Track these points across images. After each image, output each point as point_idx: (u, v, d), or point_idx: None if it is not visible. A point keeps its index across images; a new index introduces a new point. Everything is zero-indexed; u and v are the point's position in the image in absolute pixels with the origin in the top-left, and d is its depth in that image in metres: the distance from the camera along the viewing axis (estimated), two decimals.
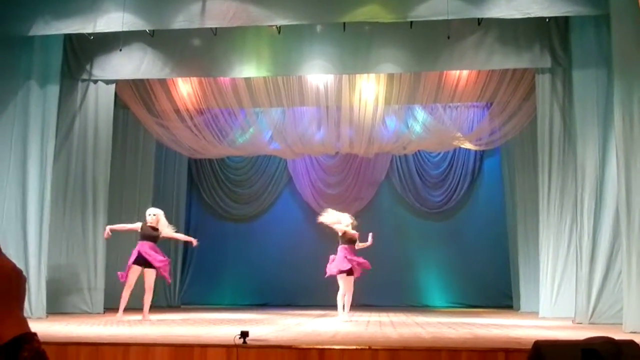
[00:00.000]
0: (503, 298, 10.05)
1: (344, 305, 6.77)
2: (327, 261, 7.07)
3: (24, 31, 7.24)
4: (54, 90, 7.52)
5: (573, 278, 7.15)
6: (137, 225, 7.03)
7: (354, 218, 7.11)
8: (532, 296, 8.42)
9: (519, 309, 9.03)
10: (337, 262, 6.77)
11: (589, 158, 6.95)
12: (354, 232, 6.96)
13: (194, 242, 7.26)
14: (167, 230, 7.06)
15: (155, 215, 7.01)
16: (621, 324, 5.78)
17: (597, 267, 6.73)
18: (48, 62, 7.56)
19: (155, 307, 9.41)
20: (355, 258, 6.81)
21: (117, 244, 9.02)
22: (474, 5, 6.81)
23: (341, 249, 6.84)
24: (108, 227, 7.07)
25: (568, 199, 7.55)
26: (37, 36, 7.39)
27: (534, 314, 7.90)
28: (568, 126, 7.61)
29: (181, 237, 7.68)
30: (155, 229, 6.97)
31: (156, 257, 6.80)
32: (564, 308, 7.34)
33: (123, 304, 6.80)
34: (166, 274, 6.95)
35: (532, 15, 6.86)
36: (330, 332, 5.27)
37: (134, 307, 8.66)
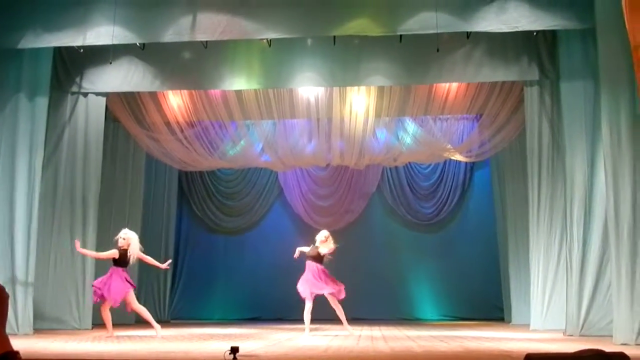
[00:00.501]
0: (494, 310, 10.04)
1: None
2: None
3: (14, 43, 7.22)
4: (43, 102, 7.48)
5: (563, 290, 7.16)
6: (113, 253, 6.57)
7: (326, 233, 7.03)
8: (523, 308, 8.43)
9: (510, 321, 9.03)
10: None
11: (577, 169, 7.02)
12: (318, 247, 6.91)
13: (164, 266, 7.00)
14: (138, 253, 6.57)
15: (125, 239, 6.56)
16: (611, 336, 5.79)
17: (587, 278, 6.76)
18: (37, 75, 7.52)
19: (145, 322, 9.30)
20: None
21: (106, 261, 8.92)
22: (462, 19, 6.88)
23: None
24: (80, 250, 6.76)
25: (557, 210, 7.59)
26: (26, 49, 7.36)
27: (525, 326, 7.90)
28: (557, 138, 7.68)
29: (151, 261, 6.84)
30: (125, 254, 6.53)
31: (123, 286, 6.44)
32: (554, 320, 7.35)
33: (108, 321, 6.56)
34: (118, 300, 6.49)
35: (520, 29, 6.95)
36: (321, 347, 5.23)
37: (123, 322, 8.56)
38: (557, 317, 7.26)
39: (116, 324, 8.41)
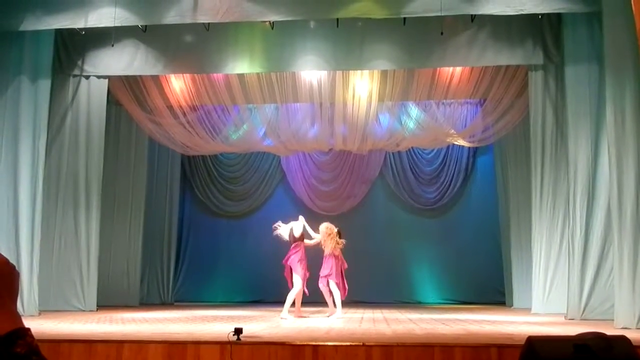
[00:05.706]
0: (496, 294, 10.09)
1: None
2: (320, 258, 7.14)
3: (15, 26, 7.17)
4: (45, 85, 7.46)
5: (565, 274, 7.19)
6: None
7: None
8: (525, 293, 8.46)
9: (511, 305, 9.08)
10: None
11: (581, 154, 6.99)
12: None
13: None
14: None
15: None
16: (612, 320, 5.82)
17: (589, 263, 6.77)
18: (39, 58, 7.49)
19: (149, 305, 9.39)
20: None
21: (109, 242, 8.99)
22: (467, 1, 6.82)
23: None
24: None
25: (560, 195, 7.58)
26: (27, 31, 7.32)
27: (527, 310, 7.94)
28: (560, 123, 7.64)
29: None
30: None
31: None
32: (556, 304, 7.38)
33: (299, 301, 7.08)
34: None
35: (525, 12, 6.88)
36: (324, 329, 5.27)
37: (127, 304, 8.63)
38: (559, 301, 7.29)
39: (121, 306, 8.51)
